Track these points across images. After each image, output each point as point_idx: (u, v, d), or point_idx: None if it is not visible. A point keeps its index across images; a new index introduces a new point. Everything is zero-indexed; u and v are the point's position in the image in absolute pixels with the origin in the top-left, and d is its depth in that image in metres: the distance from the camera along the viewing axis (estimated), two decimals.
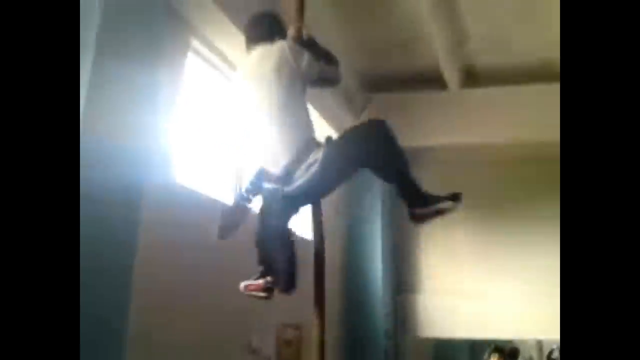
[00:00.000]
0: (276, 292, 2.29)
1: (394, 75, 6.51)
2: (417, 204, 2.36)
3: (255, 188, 2.40)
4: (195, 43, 4.30)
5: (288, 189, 2.32)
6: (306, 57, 2.39)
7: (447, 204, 2.33)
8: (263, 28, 2.60)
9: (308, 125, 2.41)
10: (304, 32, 2.49)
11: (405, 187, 2.39)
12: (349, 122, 6.16)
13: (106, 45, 2.54)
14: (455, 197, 2.33)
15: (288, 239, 2.32)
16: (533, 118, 6.10)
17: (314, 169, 2.27)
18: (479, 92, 6.53)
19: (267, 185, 2.36)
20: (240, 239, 2.33)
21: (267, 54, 2.43)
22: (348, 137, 2.42)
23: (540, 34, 5.56)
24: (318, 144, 2.33)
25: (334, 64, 2.50)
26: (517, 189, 6.70)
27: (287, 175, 2.32)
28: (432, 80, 6.46)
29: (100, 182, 2.27)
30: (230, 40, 4.31)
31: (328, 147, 2.32)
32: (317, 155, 2.28)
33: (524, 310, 6.66)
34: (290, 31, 2.50)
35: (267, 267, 2.36)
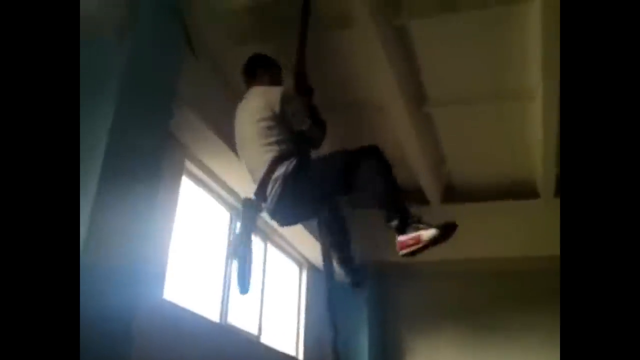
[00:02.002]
0: None
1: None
2: (403, 226, 2.37)
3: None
4: (189, 164, 4.49)
5: (266, 204, 2.66)
6: (296, 107, 2.74)
7: (432, 232, 2.27)
8: (248, 71, 3.18)
9: (280, 147, 2.69)
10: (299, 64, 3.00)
11: (391, 204, 2.45)
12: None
13: (110, 169, 2.70)
14: (446, 227, 2.29)
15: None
16: (513, 233, 6.30)
17: (279, 181, 2.56)
18: (459, 208, 6.75)
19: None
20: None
21: (258, 94, 2.88)
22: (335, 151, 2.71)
23: (516, 155, 5.92)
24: (286, 159, 2.62)
25: (321, 129, 2.82)
26: (499, 302, 6.72)
27: (261, 189, 2.66)
28: (415, 195, 6.70)
29: (95, 301, 2.32)
30: (223, 162, 4.53)
31: (317, 159, 2.69)
32: (282, 169, 2.57)
33: None
34: (290, 83, 2.95)
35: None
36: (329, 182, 2.64)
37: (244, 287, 2.74)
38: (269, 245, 5.85)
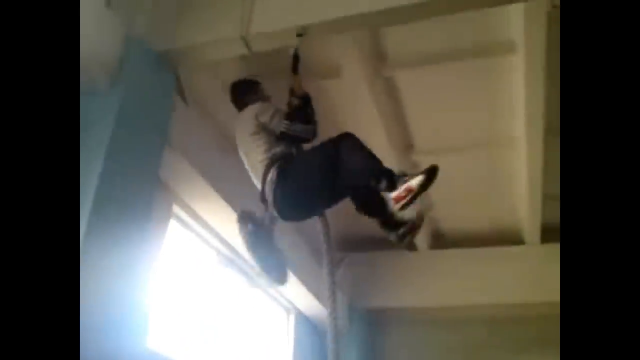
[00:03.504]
0: None
1: (367, 235, 6.75)
2: (392, 183, 2.53)
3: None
4: (176, 209, 4.49)
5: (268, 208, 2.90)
6: (270, 114, 3.02)
7: (419, 178, 2.45)
8: (234, 96, 3.47)
9: (269, 154, 2.95)
10: (297, 88, 3.18)
11: (375, 171, 2.62)
12: (323, 279, 6.28)
13: (98, 214, 2.70)
14: (430, 170, 2.47)
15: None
16: (500, 280, 6.31)
17: (271, 186, 2.83)
18: (447, 254, 6.78)
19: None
20: None
21: (244, 114, 3.21)
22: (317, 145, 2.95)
23: (502, 202, 5.99)
24: (274, 163, 2.89)
25: (310, 124, 3.01)
26: (488, 348, 6.66)
27: (262, 195, 2.92)
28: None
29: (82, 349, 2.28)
30: (211, 206, 4.53)
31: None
32: (271, 174, 2.85)
33: None
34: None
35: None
36: (317, 173, 2.86)
37: (277, 279, 3.04)
38: (255, 290, 5.79)
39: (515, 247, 6.50)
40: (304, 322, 6.57)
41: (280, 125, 2.99)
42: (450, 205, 6.22)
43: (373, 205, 2.92)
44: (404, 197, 2.47)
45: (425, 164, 5.73)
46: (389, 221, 2.88)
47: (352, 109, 4.45)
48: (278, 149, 2.98)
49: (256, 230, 2.97)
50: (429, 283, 6.62)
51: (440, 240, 6.95)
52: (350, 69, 4.12)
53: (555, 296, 5.66)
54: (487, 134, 5.05)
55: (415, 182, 2.46)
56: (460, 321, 6.73)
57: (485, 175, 5.60)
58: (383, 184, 2.54)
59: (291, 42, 3.33)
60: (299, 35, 3.23)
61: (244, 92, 3.48)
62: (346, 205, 4.46)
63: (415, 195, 2.45)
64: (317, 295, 6.12)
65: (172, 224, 4.40)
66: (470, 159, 5.38)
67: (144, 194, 3.20)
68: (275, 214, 2.98)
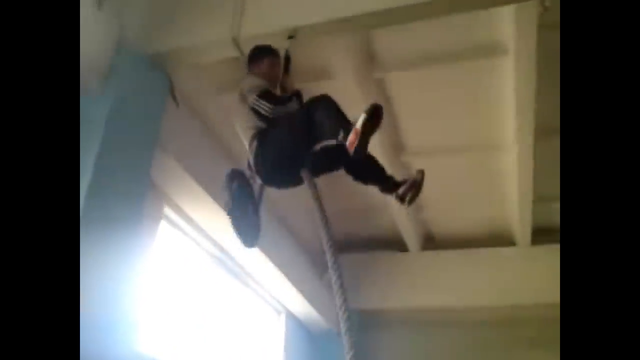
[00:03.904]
0: None
1: (357, 237, 6.77)
2: (346, 132, 2.57)
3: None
4: (167, 210, 4.48)
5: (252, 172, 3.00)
6: (247, 88, 3.05)
7: (361, 117, 2.51)
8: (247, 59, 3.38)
9: (253, 124, 3.00)
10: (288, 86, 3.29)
11: (339, 125, 2.67)
12: (314, 282, 6.31)
13: (90, 215, 2.69)
14: (371, 109, 2.53)
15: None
16: (491, 281, 6.34)
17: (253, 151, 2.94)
18: (439, 255, 6.80)
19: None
20: None
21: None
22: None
23: (493, 204, 6.02)
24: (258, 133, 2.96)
25: (278, 105, 3.03)
26: (479, 350, 6.68)
27: (248, 163, 3.03)
28: (394, 243, 6.73)
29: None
30: (201, 208, 4.52)
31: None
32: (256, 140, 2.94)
33: None
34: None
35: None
36: (291, 133, 2.94)
37: (246, 241, 3.07)
38: (245, 291, 5.79)
39: (506, 249, 6.53)
40: (295, 323, 6.57)
41: (251, 100, 3.06)
42: (441, 207, 6.24)
43: (366, 173, 3.04)
44: (354, 140, 2.54)
45: (416, 165, 5.75)
46: (387, 184, 2.98)
47: (344, 110, 4.45)
48: (260, 123, 3.04)
49: (240, 190, 3.03)
50: (421, 284, 6.63)
51: (432, 242, 6.97)
52: (341, 71, 4.12)
53: (546, 297, 5.74)
54: (478, 136, 5.07)
55: (359, 122, 2.54)
56: (452, 322, 6.74)
57: (476, 177, 5.62)
58: (340, 135, 2.62)
59: (282, 44, 3.33)
60: (290, 37, 3.23)
61: (250, 59, 3.41)
62: (337, 208, 4.49)
63: (362, 135, 2.53)
64: (308, 297, 6.12)
65: (163, 225, 4.39)
66: (461, 161, 5.40)
67: (135, 195, 3.19)
68: (259, 180, 3.06)
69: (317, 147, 2.95)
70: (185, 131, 4.20)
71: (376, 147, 4.81)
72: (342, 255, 6.95)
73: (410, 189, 2.94)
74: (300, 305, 6.29)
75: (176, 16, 3.47)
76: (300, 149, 2.95)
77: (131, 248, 3.05)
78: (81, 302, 2.28)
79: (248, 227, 3.07)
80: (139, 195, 3.24)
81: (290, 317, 6.56)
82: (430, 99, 4.64)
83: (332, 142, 2.76)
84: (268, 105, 3.06)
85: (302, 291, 5.98)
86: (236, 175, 3.07)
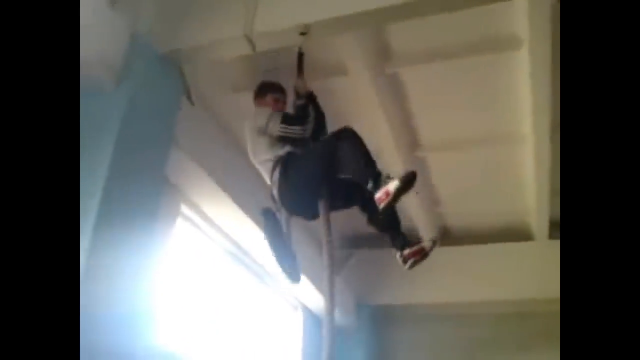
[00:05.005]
0: None
1: (373, 233, 6.72)
2: (376, 185, 2.67)
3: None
4: (184, 208, 4.51)
5: (277, 205, 3.10)
6: (266, 119, 3.20)
7: (395, 183, 2.59)
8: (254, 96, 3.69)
9: (272, 155, 3.13)
10: (301, 87, 3.41)
11: (369, 171, 2.77)
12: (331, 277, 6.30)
13: (106, 214, 2.72)
14: (406, 176, 2.63)
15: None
16: (509, 276, 6.29)
17: (276, 185, 3.03)
18: (455, 250, 6.76)
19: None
20: None
21: (251, 116, 3.45)
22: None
23: (509, 198, 5.97)
24: (278, 163, 3.07)
25: (307, 124, 3.18)
26: (496, 345, 6.64)
27: (270, 194, 3.13)
28: (410, 239, 6.68)
29: (92, 347, 2.31)
30: (218, 205, 4.56)
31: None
32: (276, 174, 3.04)
33: None
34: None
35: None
36: (314, 165, 3.04)
37: (292, 278, 3.28)
38: (262, 287, 5.82)
39: (523, 243, 6.47)
40: (312, 318, 6.58)
41: (277, 129, 3.14)
42: (457, 202, 6.21)
43: (384, 221, 3.12)
44: (384, 199, 2.61)
45: (432, 160, 5.75)
46: (397, 239, 3.13)
47: (357, 106, 4.45)
48: (281, 150, 3.12)
49: (276, 228, 3.12)
50: (437, 280, 6.59)
51: (448, 237, 6.93)
52: (355, 67, 4.11)
53: None
54: (493, 130, 5.03)
55: (392, 186, 2.61)
56: (468, 318, 6.72)
57: (492, 172, 5.58)
58: (369, 185, 2.69)
59: (295, 41, 3.34)
60: (303, 33, 3.24)
61: (256, 94, 3.66)
62: None
63: (393, 198, 2.60)
64: (324, 292, 6.12)
65: (180, 222, 4.43)
66: (477, 155, 5.36)
67: (150, 193, 3.23)
68: (283, 210, 3.14)
69: (340, 175, 2.96)
70: (201, 129, 4.23)
71: (391, 144, 4.84)
72: (357, 251, 7.05)
73: (416, 254, 3.03)
74: (316, 301, 6.30)
75: (188, 14, 3.49)
76: (321, 177, 3.02)
77: (148, 245, 3.08)
78: (100, 298, 2.32)
79: (291, 263, 3.22)
80: (155, 193, 3.27)
81: (307, 312, 6.58)
82: (444, 93, 4.61)
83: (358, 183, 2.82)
84: (296, 127, 3.12)
85: (319, 287, 5.99)
86: (269, 213, 3.14)
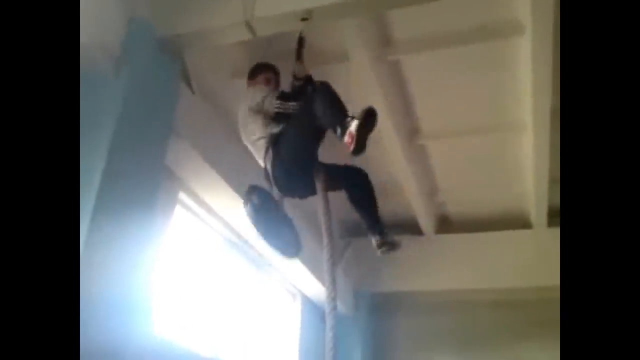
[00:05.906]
0: None
1: None
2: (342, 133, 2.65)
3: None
4: (182, 195, 4.49)
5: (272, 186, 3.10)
6: (261, 98, 3.23)
7: (355, 122, 2.57)
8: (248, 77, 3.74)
9: (265, 135, 3.15)
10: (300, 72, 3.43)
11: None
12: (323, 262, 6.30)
13: (104, 200, 2.70)
14: (365, 113, 2.59)
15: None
16: (508, 264, 6.31)
17: (269, 162, 3.05)
18: (454, 238, 6.77)
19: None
20: None
21: (245, 96, 3.47)
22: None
23: (508, 186, 5.97)
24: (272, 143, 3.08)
25: (297, 100, 3.18)
26: (495, 332, 6.67)
27: (265, 172, 3.14)
28: (409, 226, 6.71)
29: (90, 335, 2.29)
30: (217, 193, 4.53)
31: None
32: (269, 155, 3.05)
33: None
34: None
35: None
36: (305, 129, 3.05)
37: (285, 253, 3.31)
38: (260, 275, 5.82)
39: (522, 231, 6.48)
40: (310, 306, 6.60)
41: (273, 106, 3.18)
42: (456, 190, 6.21)
43: (363, 202, 3.19)
44: (350, 142, 2.58)
45: (432, 148, 5.73)
46: (373, 225, 3.17)
47: (358, 93, 4.41)
48: (275, 128, 3.14)
49: (261, 204, 3.09)
50: (435, 268, 6.62)
51: (447, 225, 6.94)
52: (356, 53, 4.08)
53: None
54: (494, 118, 5.01)
55: (353, 127, 2.58)
56: (467, 305, 6.74)
57: (491, 159, 5.57)
58: (338, 131, 2.66)
59: (296, 26, 3.30)
60: (304, 19, 3.20)
61: (249, 76, 3.70)
62: None
63: (358, 138, 2.56)
64: (322, 280, 6.12)
65: (178, 210, 4.41)
66: (477, 143, 5.35)
67: (149, 181, 3.20)
68: (276, 190, 3.15)
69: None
70: (200, 116, 4.19)
71: (391, 131, 4.81)
72: (356, 239, 7.04)
73: (386, 244, 3.12)
74: (315, 289, 6.30)
75: None
76: (312, 144, 3.05)
77: (147, 233, 3.06)
78: (97, 286, 2.31)
79: (283, 237, 3.20)
80: (154, 181, 3.25)
81: (306, 300, 6.59)
82: (445, 80, 4.58)
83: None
84: (293, 103, 3.12)
85: (317, 275, 6.00)
86: (253, 190, 3.09)
